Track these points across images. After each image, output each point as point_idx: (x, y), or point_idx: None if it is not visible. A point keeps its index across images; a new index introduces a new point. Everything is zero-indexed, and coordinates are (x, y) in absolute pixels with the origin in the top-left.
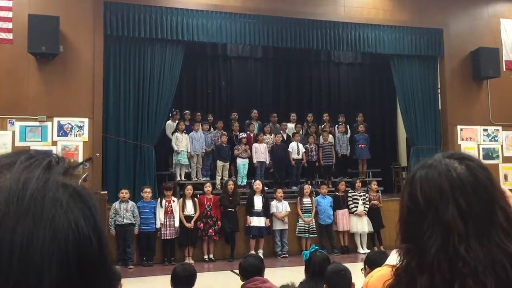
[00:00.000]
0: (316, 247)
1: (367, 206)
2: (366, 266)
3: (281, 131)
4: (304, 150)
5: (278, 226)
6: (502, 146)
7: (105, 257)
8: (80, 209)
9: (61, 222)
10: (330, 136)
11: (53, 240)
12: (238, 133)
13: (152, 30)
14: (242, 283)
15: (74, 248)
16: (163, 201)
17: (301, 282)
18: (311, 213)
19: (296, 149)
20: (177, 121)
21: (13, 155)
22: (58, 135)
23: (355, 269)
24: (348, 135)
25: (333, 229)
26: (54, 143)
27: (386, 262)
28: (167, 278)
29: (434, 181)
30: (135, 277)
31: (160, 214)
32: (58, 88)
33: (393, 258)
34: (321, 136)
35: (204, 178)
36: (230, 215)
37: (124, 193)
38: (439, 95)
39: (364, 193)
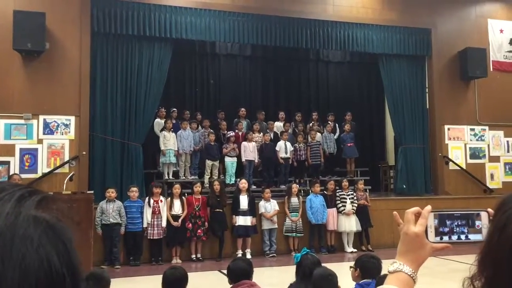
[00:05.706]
0: (308, 250)
1: (355, 205)
2: (356, 267)
3: (268, 130)
4: (292, 149)
5: (267, 225)
6: (488, 145)
7: None
8: (54, 245)
9: (32, 261)
10: (318, 135)
11: (23, 281)
12: (226, 131)
13: (140, 27)
14: (230, 285)
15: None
16: (151, 200)
17: (291, 284)
18: (298, 213)
19: (283, 148)
20: (164, 119)
21: None
22: (44, 133)
23: (342, 269)
24: (337, 134)
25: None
26: (40, 141)
27: None
28: (154, 278)
29: None
30: (122, 277)
31: (148, 213)
32: (44, 86)
33: None
34: (308, 135)
35: (192, 177)
36: (219, 216)
37: (111, 192)
38: (427, 94)
39: (352, 192)
